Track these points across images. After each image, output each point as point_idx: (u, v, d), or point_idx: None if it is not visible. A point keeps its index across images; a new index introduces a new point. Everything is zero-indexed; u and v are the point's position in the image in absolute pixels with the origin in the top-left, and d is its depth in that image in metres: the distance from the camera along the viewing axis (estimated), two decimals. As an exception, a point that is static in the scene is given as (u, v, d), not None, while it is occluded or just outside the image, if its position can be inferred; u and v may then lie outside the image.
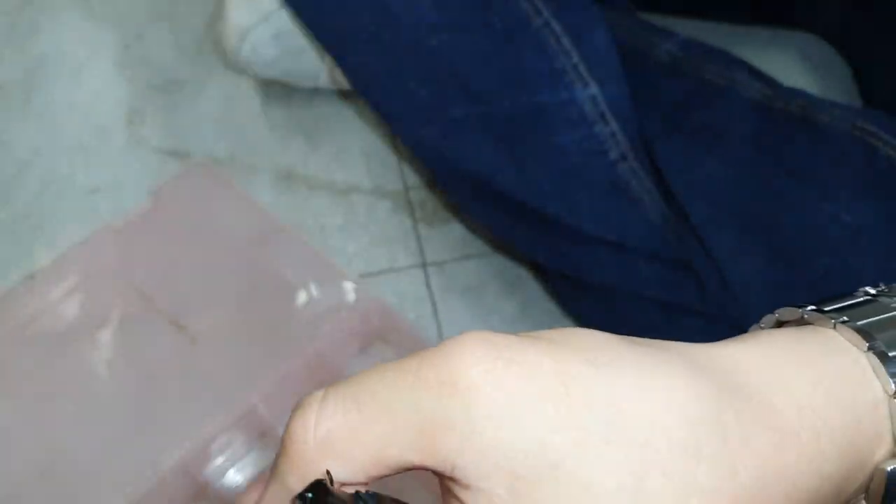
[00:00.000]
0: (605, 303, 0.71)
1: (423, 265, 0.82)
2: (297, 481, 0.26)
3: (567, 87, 0.65)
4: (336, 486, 0.25)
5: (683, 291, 0.66)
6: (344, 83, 0.86)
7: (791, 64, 0.90)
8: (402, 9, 0.68)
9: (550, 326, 0.33)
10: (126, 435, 0.70)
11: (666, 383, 0.25)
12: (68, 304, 0.77)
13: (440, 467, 0.25)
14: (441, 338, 0.80)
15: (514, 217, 0.73)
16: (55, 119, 0.89)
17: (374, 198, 0.86)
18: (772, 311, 0.32)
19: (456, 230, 0.84)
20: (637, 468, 0.23)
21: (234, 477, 0.70)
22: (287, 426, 0.26)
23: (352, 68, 0.74)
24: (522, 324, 0.80)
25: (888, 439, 0.28)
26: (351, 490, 0.25)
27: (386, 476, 0.26)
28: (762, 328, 0.32)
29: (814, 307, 0.30)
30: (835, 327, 0.29)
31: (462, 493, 0.24)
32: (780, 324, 0.31)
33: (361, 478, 0.25)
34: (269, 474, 0.28)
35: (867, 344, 0.28)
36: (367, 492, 0.23)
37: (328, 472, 0.25)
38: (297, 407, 0.27)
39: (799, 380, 0.27)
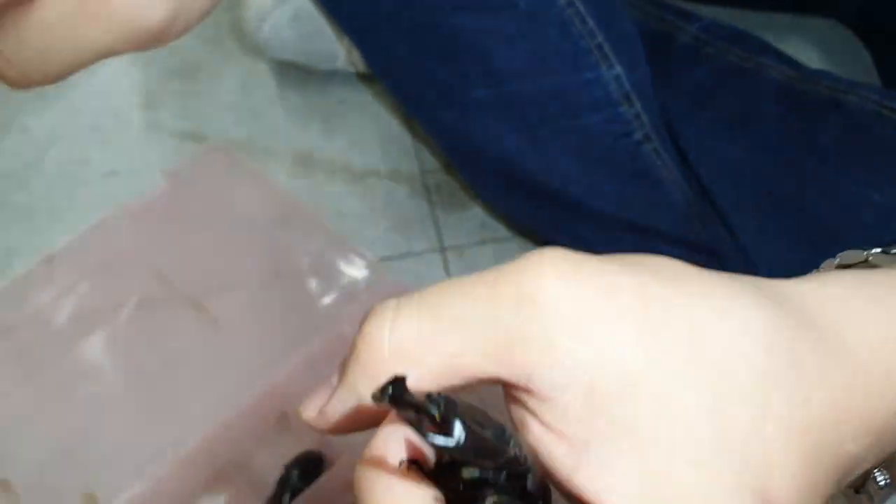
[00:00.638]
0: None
1: (442, 250, 0.82)
2: (367, 386, 0.26)
3: (592, 67, 0.65)
4: None
5: None
6: (361, 65, 0.86)
7: (811, 50, 0.90)
8: (424, -12, 0.68)
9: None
10: (148, 416, 0.70)
11: (743, 310, 0.25)
12: (87, 287, 0.76)
13: (515, 378, 0.25)
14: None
15: (535, 201, 0.73)
16: (73, 104, 0.89)
17: (392, 182, 0.86)
18: None
19: (474, 214, 0.84)
20: (715, 389, 0.23)
21: (256, 457, 0.70)
22: (361, 330, 0.27)
23: (370, 49, 0.74)
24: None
25: None
26: None
27: (456, 387, 0.26)
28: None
29: (879, 249, 0.30)
30: None
31: (535, 405, 0.24)
32: (841, 268, 0.31)
33: (432, 387, 0.25)
34: (338, 379, 0.28)
35: None
36: (438, 394, 0.23)
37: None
38: (370, 313, 0.27)
39: (869, 318, 0.27)
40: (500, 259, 0.81)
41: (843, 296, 0.28)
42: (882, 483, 0.28)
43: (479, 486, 0.24)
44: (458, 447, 0.22)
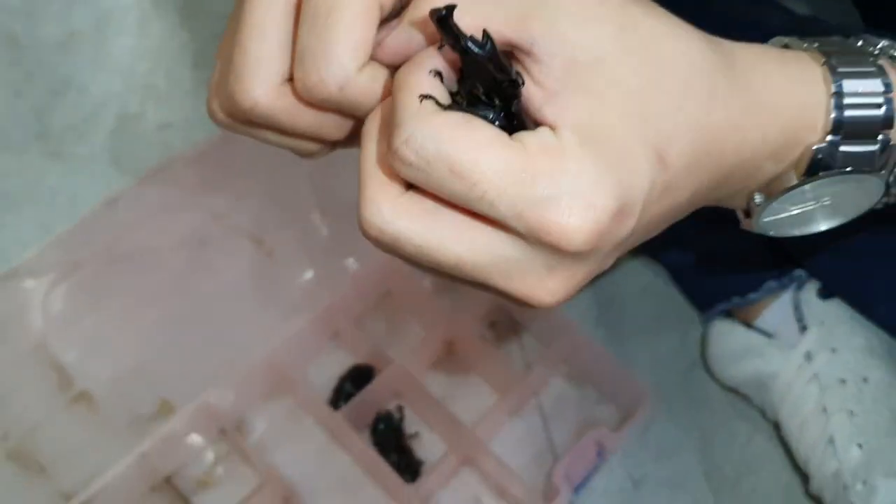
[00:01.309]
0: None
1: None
2: (424, 15, 0.33)
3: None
4: None
5: None
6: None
7: (802, 8, 0.98)
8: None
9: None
10: (213, 335, 0.78)
11: (691, 40, 0.35)
12: (149, 226, 0.84)
13: (523, 42, 0.33)
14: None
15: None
16: (126, 64, 0.97)
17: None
18: None
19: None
20: (655, 80, 0.33)
21: (313, 370, 0.78)
22: None
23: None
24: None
25: (821, 131, 0.39)
26: None
27: None
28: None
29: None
30: (806, 49, 0.40)
31: (530, 64, 0.33)
32: None
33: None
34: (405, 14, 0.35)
35: (823, 59, 0.38)
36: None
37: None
38: None
39: (771, 75, 0.37)
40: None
41: (763, 58, 0.38)
42: (758, 201, 0.40)
43: (477, 102, 0.33)
44: (486, 52, 0.32)
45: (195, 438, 0.74)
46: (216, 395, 0.73)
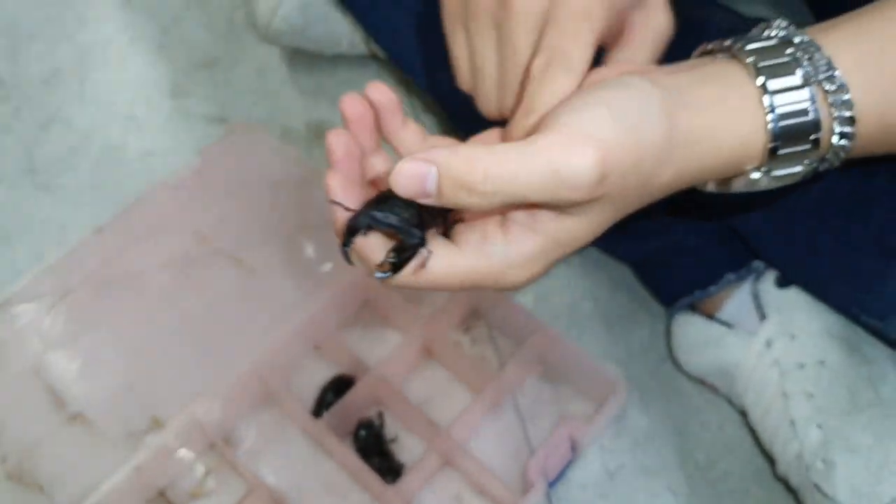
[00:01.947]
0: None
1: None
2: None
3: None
4: None
5: None
6: (361, 47, 0.97)
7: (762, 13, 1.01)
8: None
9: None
10: (200, 352, 0.81)
11: (649, 90, 0.44)
12: (135, 251, 0.87)
13: None
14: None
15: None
16: (108, 96, 1.01)
17: (397, 147, 0.97)
18: None
19: (471, 170, 0.95)
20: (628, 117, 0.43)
21: (296, 382, 0.81)
22: None
23: (374, 25, 0.85)
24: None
25: (759, 157, 0.47)
26: None
27: None
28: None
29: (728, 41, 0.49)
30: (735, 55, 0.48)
31: None
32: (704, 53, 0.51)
33: None
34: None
35: (756, 79, 0.46)
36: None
37: None
38: None
39: (713, 122, 0.45)
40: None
41: (689, 83, 0.46)
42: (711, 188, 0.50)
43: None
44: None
45: (186, 452, 0.77)
46: (204, 409, 0.76)
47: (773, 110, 0.46)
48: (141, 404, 0.79)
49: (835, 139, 0.47)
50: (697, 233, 0.77)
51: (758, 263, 0.76)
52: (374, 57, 1.00)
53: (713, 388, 0.80)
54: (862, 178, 0.65)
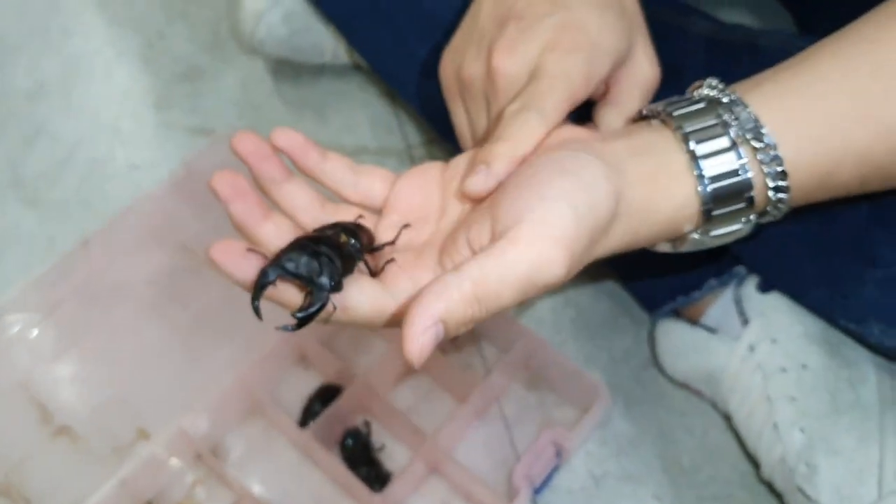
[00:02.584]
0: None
1: (429, 212, 0.93)
2: None
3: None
4: None
5: None
6: (346, 58, 0.98)
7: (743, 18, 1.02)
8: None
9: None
10: (187, 363, 0.81)
11: (595, 167, 0.46)
12: (122, 262, 0.87)
13: None
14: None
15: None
16: (93, 110, 1.01)
17: (381, 157, 0.97)
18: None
19: (456, 179, 0.95)
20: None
21: (283, 392, 0.81)
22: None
23: (358, 39, 0.85)
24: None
25: (695, 221, 0.49)
26: None
27: None
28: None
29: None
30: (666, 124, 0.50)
31: None
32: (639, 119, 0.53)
33: None
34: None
35: (685, 148, 0.48)
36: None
37: None
38: None
39: (644, 183, 0.47)
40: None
41: (628, 156, 0.48)
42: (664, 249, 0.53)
43: None
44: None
45: (174, 463, 0.77)
46: (191, 420, 0.76)
47: (702, 175, 0.48)
48: (128, 416, 0.79)
49: (770, 194, 0.49)
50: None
51: (740, 268, 0.76)
52: (357, 67, 1.01)
53: (698, 393, 0.80)
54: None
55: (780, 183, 0.49)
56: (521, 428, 0.80)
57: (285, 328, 0.45)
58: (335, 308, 0.44)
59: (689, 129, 0.48)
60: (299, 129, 0.99)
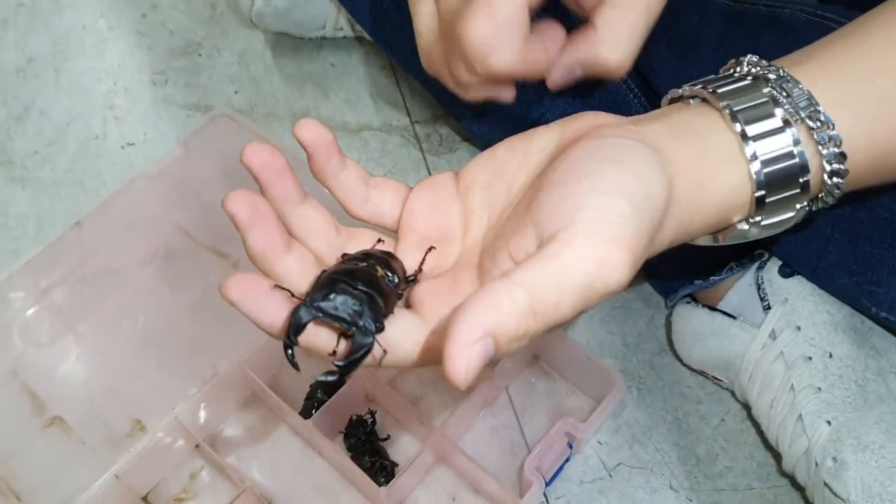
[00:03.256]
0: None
1: (435, 191, 0.90)
2: None
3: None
4: None
5: None
6: (347, 30, 0.94)
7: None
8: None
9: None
10: (184, 350, 0.78)
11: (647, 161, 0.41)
12: (116, 245, 0.84)
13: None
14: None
15: (517, 130, 0.81)
16: (86, 86, 0.97)
17: (385, 134, 0.94)
18: None
19: (461, 156, 0.92)
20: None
21: (284, 379, 0.78)
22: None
23: (358, 8, 0.82)
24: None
25: (745, 210, 0.44)
26: None
27: None
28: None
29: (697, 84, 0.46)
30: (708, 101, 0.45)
31: None
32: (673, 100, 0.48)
33: None
34: None
35: (732, 122, 0.43)
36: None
37: None
38: None
39: (691, 168, 0.43)
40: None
41: (669, 139, 0.43)
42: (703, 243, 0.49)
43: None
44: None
45: (170, 455, 0.74)
46: (188, 409, 0.73)
47: (755, 157, 0.43)
48: (122, 405, 0.76)
49: (826, 178, 0.45)
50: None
51: (760, 252, 0.73)
52: (359, 40, 0.97)
53: (715, 381, 0.77)
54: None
55: (838, 166, 0.44)
56: (531, 417, 0.77)
57: (325, 377, 0.38)
58: (385, 352, 0.38)
59: (737, 107, 0.44)
60: (299, 104, 0.96)
